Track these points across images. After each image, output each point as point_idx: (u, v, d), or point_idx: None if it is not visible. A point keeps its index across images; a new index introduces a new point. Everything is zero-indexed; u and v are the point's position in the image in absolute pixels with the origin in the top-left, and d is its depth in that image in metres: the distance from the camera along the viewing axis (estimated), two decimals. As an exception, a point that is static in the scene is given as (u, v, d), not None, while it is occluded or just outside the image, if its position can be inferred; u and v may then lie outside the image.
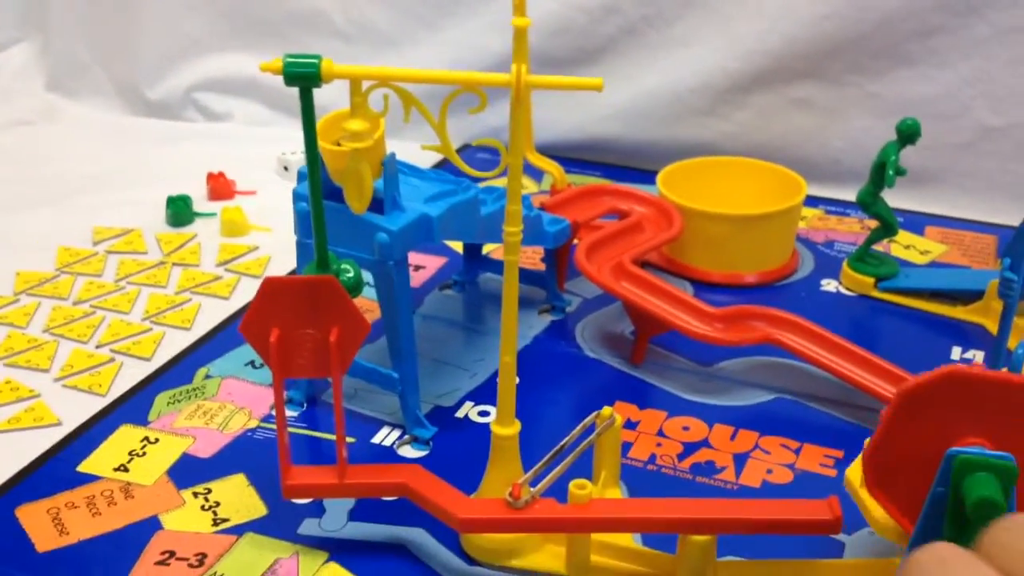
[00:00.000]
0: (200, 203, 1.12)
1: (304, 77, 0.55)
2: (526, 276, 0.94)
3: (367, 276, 0.69)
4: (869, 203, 0.92)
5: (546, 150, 1.19)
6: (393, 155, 0.70)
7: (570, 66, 1.20)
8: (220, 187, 1.14)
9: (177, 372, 0.82)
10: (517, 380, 0.78)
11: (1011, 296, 0.73)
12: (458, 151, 0.61)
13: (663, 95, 1.18)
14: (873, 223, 0.95)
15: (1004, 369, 0.72)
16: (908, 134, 0.88)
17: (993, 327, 0.88)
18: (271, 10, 1.34)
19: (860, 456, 0.62)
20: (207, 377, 0.81)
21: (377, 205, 0.70)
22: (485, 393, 0.80)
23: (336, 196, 0.69)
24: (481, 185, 0.81)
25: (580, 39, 1.19)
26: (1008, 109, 1.08)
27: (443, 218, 0.73)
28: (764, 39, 1.12)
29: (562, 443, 0.63)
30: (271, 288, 0.59)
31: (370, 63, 1.34)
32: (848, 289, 0.95)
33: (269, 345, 0.59)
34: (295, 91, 1.40)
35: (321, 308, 0.59)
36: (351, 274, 0.64)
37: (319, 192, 0.60)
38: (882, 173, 0.90)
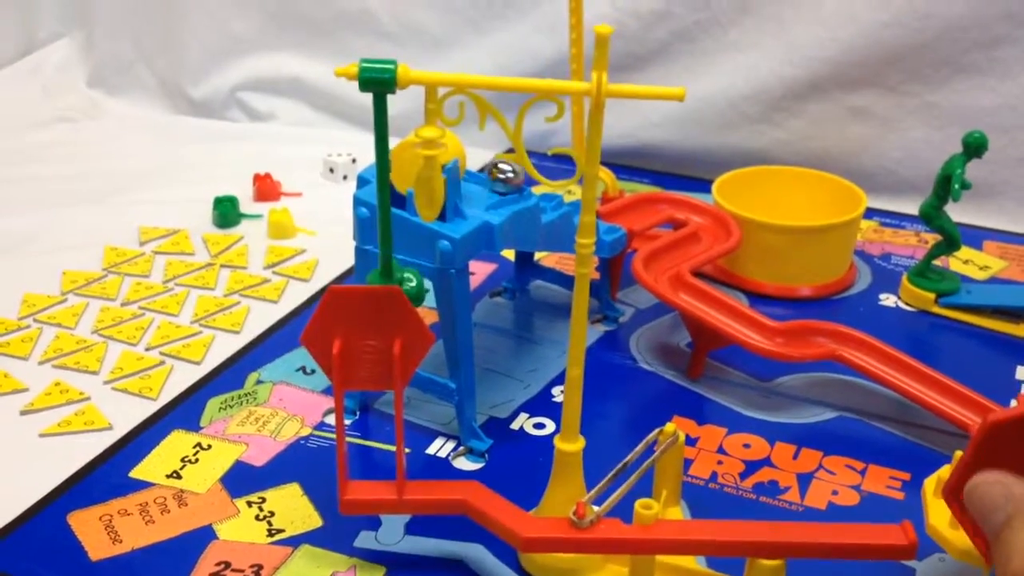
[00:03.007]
0: (246, 204, 1.11)
1: (380, 83, 0.54)
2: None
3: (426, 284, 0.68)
4: (932, 216, 0.90)
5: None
6: (456, 162, 0.68)
7: (621, 72, 1.18)
8: (266, 188, 1.13)
9: (228, 377, 0.81)
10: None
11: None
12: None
13: (716, 102, 1.16)
14: (931, 237, 0.93)
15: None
16: (975, 147, 0.86)
17: (1059, 347, 0.86)
18: (318, 10, 1.33)
19: (939, 471, 0.60)
20: (258, 382, 0.80)
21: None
22: (540, 405, 0.79)
23: (397, 202, 0.68)
24: (537, 191, 0.79)
25: (632, 44, 1.18)
26: (1072, 122, 1.06)
27: (504, 226, 0.71)
28: (821, 46, 1.10)
29: (625, 461, 0.61)
30: (335, 297, 0.57)
31: (418, 66, 1.34)
32: (908, 304, 0.93)
33: (331, 356, 0.58)
34: (339, 92, 1.39)
35: (384, 318, 0.58)
36: (413, 283, 0.63)
37: (387, 200, 0.59)
38: (947, 186, 0.88)
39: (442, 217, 0.69)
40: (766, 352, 0.77)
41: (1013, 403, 0.79)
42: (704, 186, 1.00)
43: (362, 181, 0.74)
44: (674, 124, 1.18)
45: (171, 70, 1.43)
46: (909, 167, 1.11)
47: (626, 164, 1.21)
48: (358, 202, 0.72)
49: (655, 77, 1.18)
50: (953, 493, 0.51)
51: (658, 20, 1.16)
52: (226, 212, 1.06)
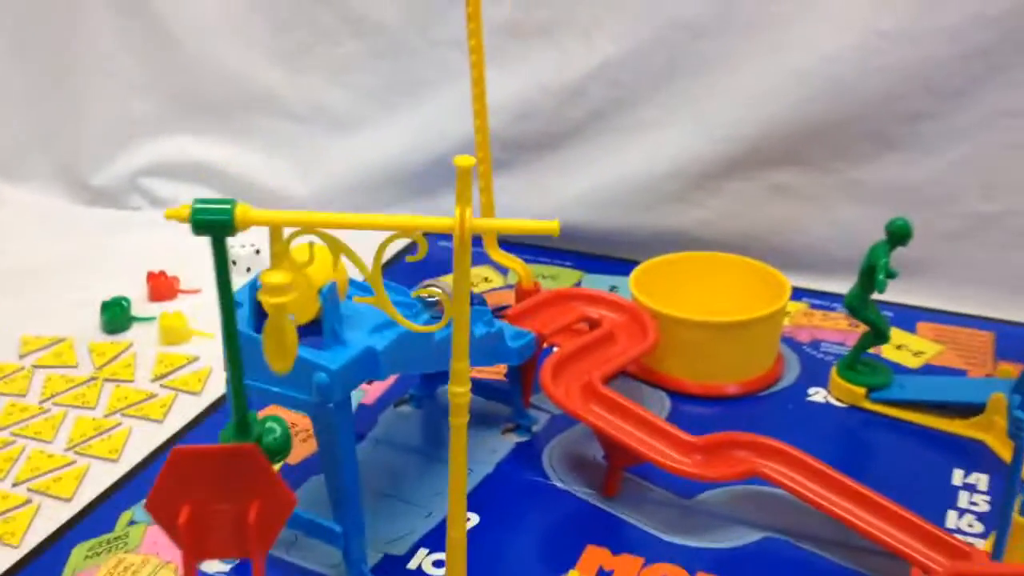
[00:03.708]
0: (140, 304, 1.04)
1: (216, 226, 0.47)
2: (489, 391, 0.86)
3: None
4: (858, 307, 0.85)
5: (513, 239, 1.12)
6: (334, 284, 0.62)
7: (536, 151, 1.14)
8: (161, 287, 1.06)
9: (98, 517, 0.74)
10: (477, 521, 0.71)
11: (1021, 436, 0.65)
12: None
13: (634, 181, 1.11)
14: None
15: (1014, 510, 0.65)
16: (899, 235, 0.81)
17: (995, 444, 0.81)
18: (222, 92, 1.27)
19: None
20: (131, 523, 0.73)
21: (316, 338, 0.62)
22: (441, 537, 0.72)
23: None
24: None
25: (547, 124, 1.13)
26: (1000, 195, 1.01)
27: (390, 350, 0.65)
28: (741, 122, 1.05)
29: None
30: (180, 459, 0.51)
31: (325, 145, 1.28)
32: (838, 399, 0.88)
33: (177, 525, 0.51)
34: (245, 178, 1.32)
35: (239, 480, 0.51)
36: (276, 434, 0.56)
37: (237, 352, 0.52)
38: (872, 276, 0.83)
39: (319, 341, 0.63)
40: (682, 472, 0.72)
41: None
42: (626, 267, 0.95)
43: (239, 301, 0.68)
44: (591, 204, 1.13)
45: (70, 156, 1.35)
46: (837, 245, 1.06)
47: (546, 246, 1.16)
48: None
49: (571, 156, 1.13)
50: None
51: (572, 98, 1.11)
52: (115, 317, 0.99)
